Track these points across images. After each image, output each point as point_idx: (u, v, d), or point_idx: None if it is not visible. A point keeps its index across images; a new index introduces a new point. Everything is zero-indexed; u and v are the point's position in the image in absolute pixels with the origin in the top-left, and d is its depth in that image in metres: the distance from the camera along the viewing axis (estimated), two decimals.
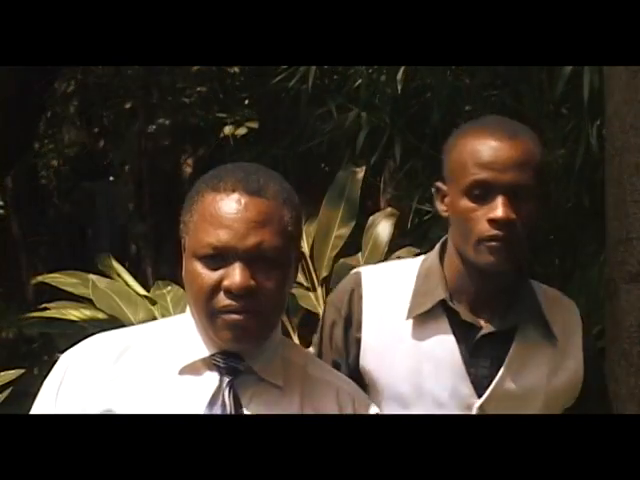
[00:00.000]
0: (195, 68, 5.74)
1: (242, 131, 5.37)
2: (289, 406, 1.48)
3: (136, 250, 6.84)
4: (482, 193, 1.64)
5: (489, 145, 1.65)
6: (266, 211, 1.43)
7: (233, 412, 1.44)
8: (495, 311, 1.73)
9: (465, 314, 1.72)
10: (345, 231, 4.10)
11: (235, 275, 1.40)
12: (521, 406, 1.72)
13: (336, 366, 1.75)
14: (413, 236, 3.77)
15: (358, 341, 1.77)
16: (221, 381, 1.46)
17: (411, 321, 1.73)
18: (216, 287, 1.41)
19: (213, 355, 1.48)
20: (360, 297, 1.78)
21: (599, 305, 2.78)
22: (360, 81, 3.87)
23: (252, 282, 1.40)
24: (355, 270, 1.83)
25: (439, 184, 1.76)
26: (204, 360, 1.48)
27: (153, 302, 4.03)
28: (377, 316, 1.76)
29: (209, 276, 1.41)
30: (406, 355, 1.73)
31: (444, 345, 1.72)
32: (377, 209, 4.33)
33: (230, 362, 1.47)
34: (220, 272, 1.41)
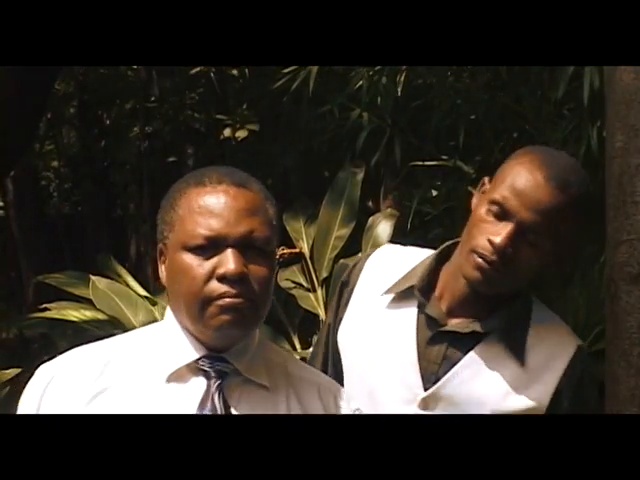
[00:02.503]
0: (195, 69, 5.74)
1: (242, 134, 5.37)
2: (276, 405, 1.49)
3: (136, 250, 6.84)
4: (499, 212, 1.62)
5: (529, 177, 1.62)
6: (254, 202, 1.45)
7: (224, 413, 1.43)
8: (469, 316, 1.71)
9: (432, 309, 1.71)
10: (345, 232, 4.11)
11: (229, 261, 1.40)
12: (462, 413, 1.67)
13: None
14: (413, 237, 3.76)
15: (346, 306, 1.81)
16: (209, 385, 1.45)
17: (388, 300, 1.75)
18: (210, 275, 1.40)
19: (198, 359, 1.46)
20: (360, 269, 1.82)
21: (599, 306, 2.78)
22: (362, 82, 3.87)
23: (245, 269, 1.41)
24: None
25: (486, 179, 1.73)
26: (189, 366, 1.47)
27: (153, 302, 4.03)
28: (365, 290, 1.79)
29: (202, 265, 1.41)
30: (373, 331, 1.74)
31: (405, 331, 1.71)
32: (377, 210, 4.33)
33: (217, 364, 1.46)
34: (213, 261, 1.41)
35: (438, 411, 1.67)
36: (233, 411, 1.45)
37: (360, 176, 4.20)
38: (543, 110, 3.62)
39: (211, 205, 1.42)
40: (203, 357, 1.46)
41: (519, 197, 1.61)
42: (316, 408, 1.52)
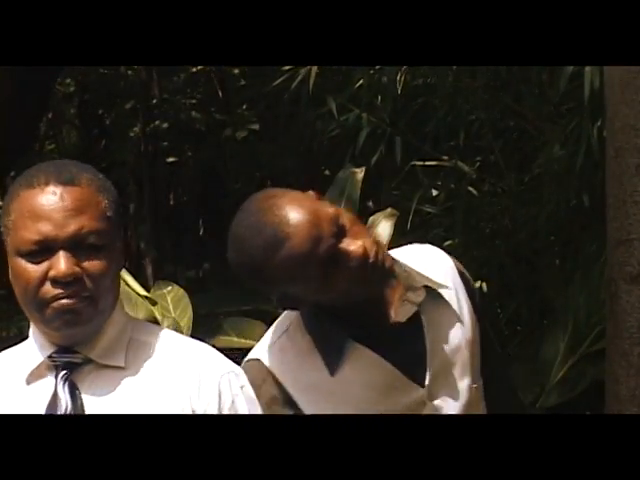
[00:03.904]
0: (195, 69, 5.74)
1: (243, 134, 5.37)
2: (135, 385, 1.49)
3: (136, 250, 6.84)
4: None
5: None
6: (81, 198, 1.48)
7: (70, 403, 1.46)
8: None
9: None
10: None
11: (60, 264, 1.43)
12: (458, 372, 1.69)
13: None
14: (413, 236, 3.76)
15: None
16: (56, 377, 1.49)
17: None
18: (43, 279, 1.44)
19: (50, 356, 1.50)
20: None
21: (600, 306, 2.78)
22: (361, 81, 3.87)
23: (77, 269, 1.44)
24: None
25: None
26: (46, 365, 1.51)
27: (153, 302, 4.02)
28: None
29: (34, 269, 1.45)
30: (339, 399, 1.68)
31: (369, 368, 1.67)
32: (377, 209, 4.33)
33: (65, 357, 1.50)
34: (45, 264, 1.45)
35: (440, 391, 1.67)
36: (84, 397, 1.47)
37: (360, 176, 4.19)
38: (543, 110, 3.62)
39: (39, 208, 1.45)
40: (53, 352, 1.50)
41: None
42: (191, 386, 1.50)
